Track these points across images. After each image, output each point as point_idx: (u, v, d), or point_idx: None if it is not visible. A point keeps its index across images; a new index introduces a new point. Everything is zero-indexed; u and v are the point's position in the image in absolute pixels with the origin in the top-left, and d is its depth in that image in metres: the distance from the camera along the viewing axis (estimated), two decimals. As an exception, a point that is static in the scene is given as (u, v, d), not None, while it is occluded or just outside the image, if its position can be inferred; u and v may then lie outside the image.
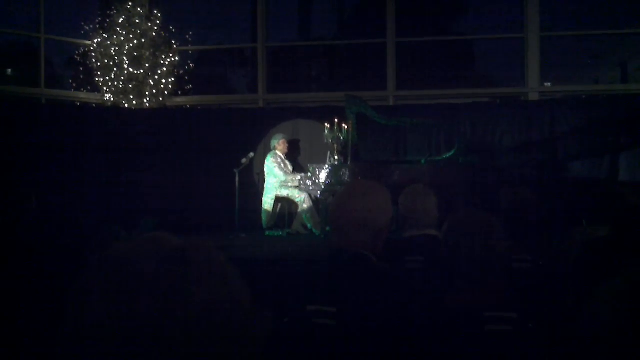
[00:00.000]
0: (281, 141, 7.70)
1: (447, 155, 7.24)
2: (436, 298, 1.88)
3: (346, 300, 1.70)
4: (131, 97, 9.35)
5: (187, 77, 9.95)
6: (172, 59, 9.68)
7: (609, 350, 0.93)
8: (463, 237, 1.92)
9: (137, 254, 0.75)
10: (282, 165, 7.54)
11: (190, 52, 10.28)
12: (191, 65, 10.12)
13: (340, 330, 1.67)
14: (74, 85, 10.10)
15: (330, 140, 7.31)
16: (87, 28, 9.72)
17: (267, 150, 7.87)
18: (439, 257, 2.11)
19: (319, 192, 7.09)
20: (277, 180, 7.46)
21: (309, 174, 7.25)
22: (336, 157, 7.31)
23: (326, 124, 7.32)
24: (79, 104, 9.91)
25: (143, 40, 9.38)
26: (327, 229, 6.54)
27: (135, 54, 9.32)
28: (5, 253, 2.99)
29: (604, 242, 2.81)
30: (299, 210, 7.47)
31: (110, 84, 9.41)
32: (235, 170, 7.39)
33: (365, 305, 1.67)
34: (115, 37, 9.36)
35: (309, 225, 7.41)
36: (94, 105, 9.71)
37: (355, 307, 1.68)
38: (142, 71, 9.34)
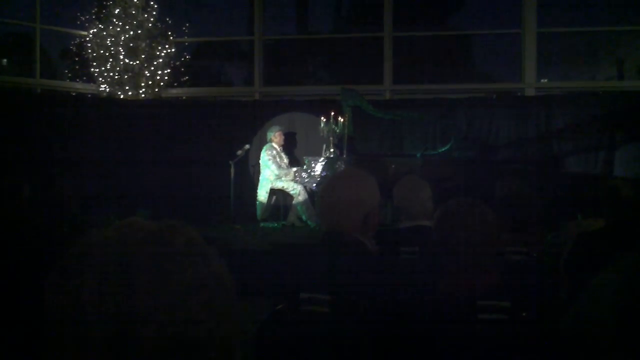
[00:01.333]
0: (277, 133, 7.67)
1: (443, 150, 7.26)
2: (429, 286, 1.88)
3: (339, 285, 1.70)
4: (127, 88, 9.31)
5: (183, 69, 9.92)
6: (168, 51, 9.64)
7: (601, 340, 0.93)
8: (453, 225, 1.91)
9: (113, 239, 0.74)
10: (278, 158, 7.53)
11: (187, 43, 10.24)
12: (187, 57, 10.08)
13: (333, 317, 1.67)
14: (70, 75, 10.06)
15: (326, 133, 7.31)
16: (83, 18, 9.65)
17: (263, 142, 7.85)
18: (432, 247, 2.11)
19: (314, 185, 7.10)
20: (272, 173, 7.46)
21: (305, 166, 7.25)
22: (332, 150, 7.32)
23: (322, 117, 7.32)
24: (74, 94, 9.86)
25: (139, 31, 9.33)
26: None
27: (131, 44, 9.28)
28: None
29: (597, 235, 2.82)
30: (294, 202, 7.46)
31: (105, 74, 9.36)
32: (231, 162, 7.37)
33: (358, 291, 1.67)
34: (111, 27, 9.30)
35: (303, 218, 7.42)
36: (89, 95, 9.67)
37: (347, 292, 1.68)
38: (137, 62, 9.30)
